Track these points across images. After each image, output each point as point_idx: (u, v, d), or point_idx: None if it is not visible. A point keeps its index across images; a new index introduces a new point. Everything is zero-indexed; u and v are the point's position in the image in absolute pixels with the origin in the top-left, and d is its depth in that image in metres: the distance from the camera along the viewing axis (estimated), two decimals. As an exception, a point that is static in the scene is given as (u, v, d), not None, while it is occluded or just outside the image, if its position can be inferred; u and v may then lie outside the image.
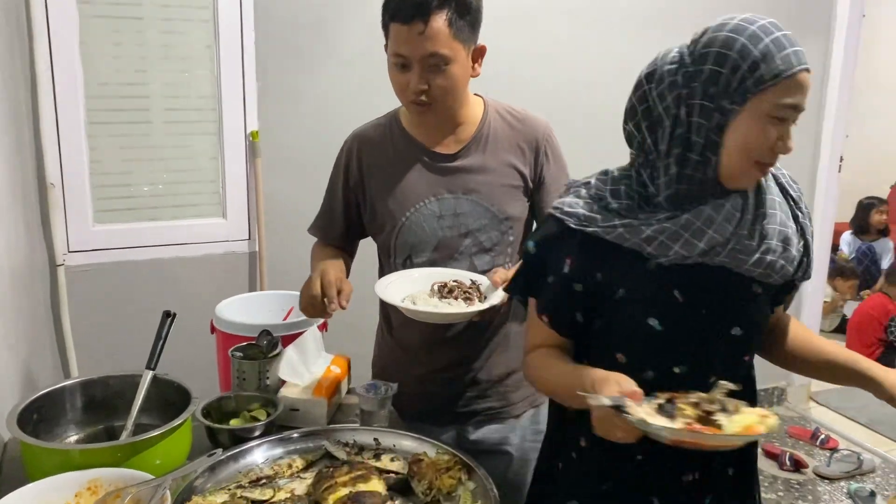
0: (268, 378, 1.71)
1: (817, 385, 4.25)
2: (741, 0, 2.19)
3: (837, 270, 5.67)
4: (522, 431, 1.87)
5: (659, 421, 1.08)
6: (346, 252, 1.87)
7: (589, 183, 1.30)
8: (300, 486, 1.36)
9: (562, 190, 1.37)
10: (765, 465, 3.52)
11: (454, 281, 1.67)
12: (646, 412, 1.09)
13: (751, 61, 1.12)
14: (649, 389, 1.13)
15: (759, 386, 1.43)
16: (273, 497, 1.31)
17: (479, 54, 1.68)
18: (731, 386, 1.15)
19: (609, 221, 1.23)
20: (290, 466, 1.41)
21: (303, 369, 1.71)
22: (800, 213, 1.30)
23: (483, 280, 1.67)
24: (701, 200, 1.20)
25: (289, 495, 1.32)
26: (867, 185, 6.52)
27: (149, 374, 1.53)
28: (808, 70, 1.15)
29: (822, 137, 3.89)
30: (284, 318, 2.13)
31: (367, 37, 2.87)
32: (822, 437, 3.78)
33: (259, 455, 1.43)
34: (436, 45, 1.56)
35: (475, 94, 1.78)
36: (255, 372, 1.71)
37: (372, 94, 2.77)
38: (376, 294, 1.64)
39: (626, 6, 3.37)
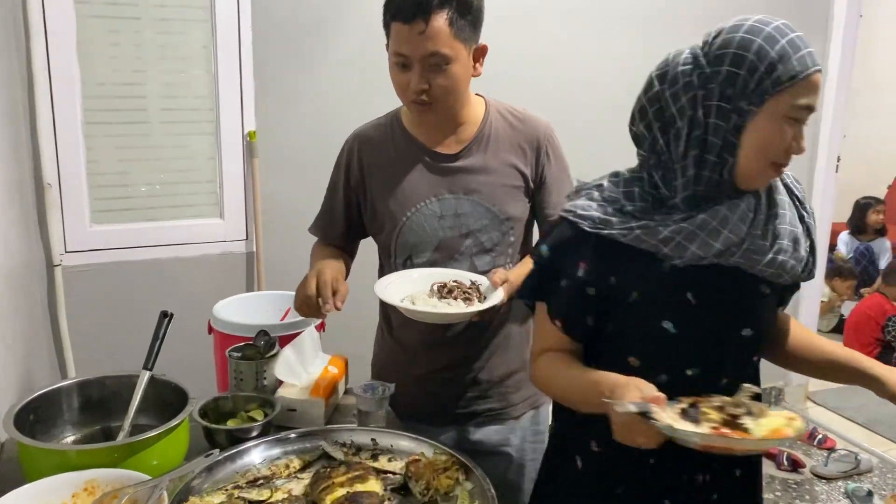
0: (265, 378, 1.70)
1: (815, 385, 4.25)
2: (740, 0, 2.20)
3: (835, 271, 5.68)
4: (523, 432, 1.87)
5: (685, 426, 1.06)
6: (347, 252, 1.87)
7: (601, 185, 1.29)
8: (297, 487, 1.36)
9: (568, 193, 1.36)
10: (762, 464, 3.52)
11: (454, 281, 1.66)
12: (671, 417, 1.07)
13: (768, 63, 1.13)
14: (662, 392, 1.12)
15: (758, 386, 1.43)
16: (270, 497, 1.30)
17: (480, 54, 1.67)
18: (756, 389, 1.15)
19: (625, 224, 1.22)
20: (287, 467, 1.41)
21: (300, 370, 1.71)
22: (805, 213, 1.31)
23: (483, 280, 1.66)
24: (716, 201, 1.20)
25: (286, 496, 1.32)
26: (864, 185, 6.53)
27: (146, 375, 1.53)
28: (820, 71, 1.16)
29: (820, 137, 3.89)
30: (282, 319, 2.13)
31: (365, 37, 2.88)
32: (820, 436, 3.78)
33: (256, 455, 1.42)
34: (436, 45, 1.55)
35: (476, 94, 1.78)
36: (252, 372, 1.70)
37: (370, 94, 2.77)
38: (376, 294, 1.64)
39: (626, 6, 3.37)
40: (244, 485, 1.34)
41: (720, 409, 1.11)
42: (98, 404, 1.57)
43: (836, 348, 1.44)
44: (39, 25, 2.48)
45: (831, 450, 3.63)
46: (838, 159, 3.98)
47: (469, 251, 1.74)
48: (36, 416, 1.46)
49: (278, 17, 2.81)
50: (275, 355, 1.71)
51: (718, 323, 1.26)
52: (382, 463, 1.43)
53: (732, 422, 1.09)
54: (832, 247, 6.13)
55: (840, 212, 5.04)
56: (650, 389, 1.10)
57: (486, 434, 1.83)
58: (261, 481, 1.36)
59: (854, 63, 3.92)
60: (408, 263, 1.76)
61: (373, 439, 1.49)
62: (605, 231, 1.23)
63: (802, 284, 1.40)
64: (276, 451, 1.45)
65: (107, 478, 1.22)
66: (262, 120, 2.85)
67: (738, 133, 1.17)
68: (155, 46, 2.68)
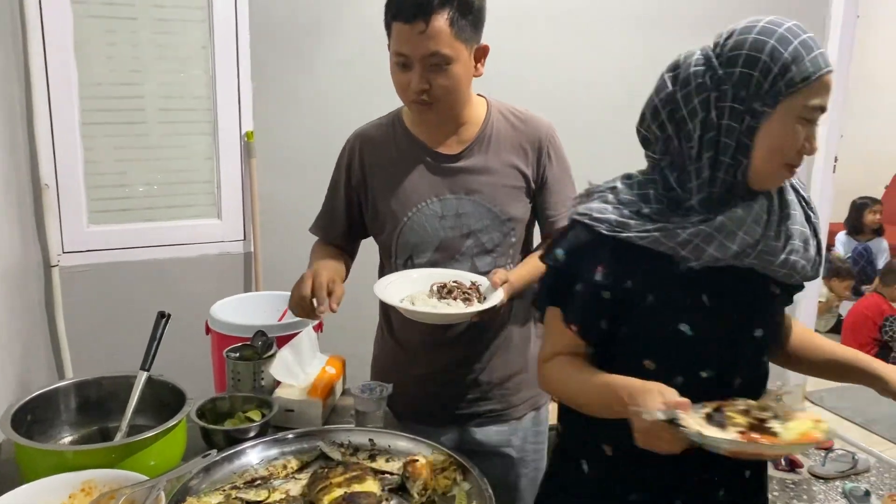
0: (262, 379, 1.70)
1: (812, 385, 4.26)
2: (738, 0, 2.20)
3: (833, 271, 5.69)
4: (524, 433, 1.87)
5: (714, 433, 1.05)
6: (347, 252, 1.86)
7: (615, 188, 1.28)
8: (295, 487, 1.36)
9: (577, 195, 1.35)
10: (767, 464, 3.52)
11: (454, 282, 1.66)
12: (698, 423, 1.06)
13: (781, 64, 1.13)
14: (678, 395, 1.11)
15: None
16: (268, 498, 1.30)
17: (481, 54, 1.67)
18: (782, 391, 1.15)
19: (643, 226, 1.21)
20: (284, 467, 1.41)
21: (298, 370, 1.71)
22: (811, 213, 1.31)
23: (483, 281, 1.66)
24: (731, 202, 1.20)
25: (284, 496, 1.32)
26: (862, 185, 6.54)
27: (143, 375, 1.53)
28: (832, 71, 1.16)
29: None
30: (279, 319, 2.12)
31: (363, 37, 2.88)
32: (817, 436, 3.78)
33: (254, 456, 1.42)
34: (437, 45, 1.55)
35: (478, 95, 1.77)
36: (249, 373, 1.70)
37: (368, 95, 2.77)
38: (375, 294, 1.64)
39: (626, 7, 3.37)
40: (242, 485, 1.34)
41: (745, 412, 1.10)
42: (95, 405, 1.57)
43: (837, 348, 1.44)
44: (36, 26, 2.47)
45: (829, 450, 3.63)
46: (836, 159, 3.98)
47: (470, 251, 1.74)
48: (33, 417, 1.46)
49: (276, 18, 2.81)
50: (272, 356, 1.71)
51: (732, 324, 1.26)
52: (380, 463, 1.43)
53: (759, 426, 1.07)
54: (829, 247, 6.14)
55: (837, 212, 5.06)
56: (672, 394, 1.09)
57: (486, 435, 1.83)
58: (258, 482, 1.36)
59: (851, 63, 3.92)
60: (409, 263, 1.76)
61: (370, 440, 1.49)
62: (624, 234, 1.22)
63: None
64: (274, 451, 1.45)
65: (104, 478, 1.22)
66: (260, 120, 2.85)
67: (752, 134, 1.17)
68: (152, 47, 2.68)
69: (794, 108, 1.15)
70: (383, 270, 1.84)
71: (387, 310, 1.86)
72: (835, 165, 3.99)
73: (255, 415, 1.59)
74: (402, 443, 1.48)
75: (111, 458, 1.30)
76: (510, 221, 1.74)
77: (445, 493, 1.31)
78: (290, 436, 1.48)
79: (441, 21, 1.54)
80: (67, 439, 1.53)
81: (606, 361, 1.29)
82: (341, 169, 1.81)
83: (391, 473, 1.39)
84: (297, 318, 1.81)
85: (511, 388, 1.83)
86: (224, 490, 1.31)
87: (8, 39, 2.35)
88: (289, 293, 1.67)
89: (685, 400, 1.08)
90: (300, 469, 1.42)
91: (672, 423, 1.05)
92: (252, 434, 1.50)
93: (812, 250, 1.28)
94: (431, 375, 1.80)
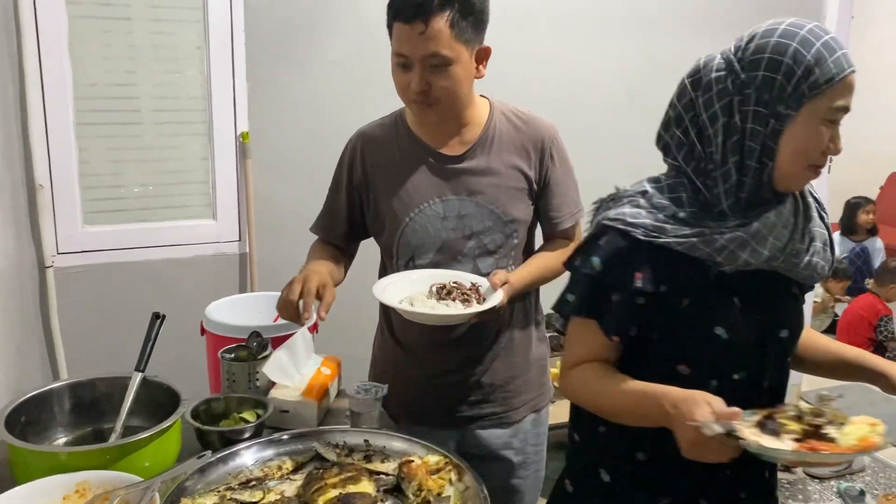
0: (257, 380, 1.70)
1: (807, 384, 4.26)
2: (737, 2, 2.20)
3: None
4: (524, 436, 1.87)
5: (770, 442, 1.03)
6: (346, 253, 1.86)
7: (646, 192, 1.26)
8: (290, 488, 1.35)
9: (599, 199, 1.32)
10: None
11: (453, 283, 1.66)
12: (754, 433, 1.04)
13: (805, 67, 1.12)
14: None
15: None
16: (263, 499, 1.30)
17: (483, 56, 1.66)
18: (834, 396, 1.14)
19: (679, 231, 1.19)
20: (279, 468, 1.41)
21: (293, 371, 1.70)
22: (824, 214, 1.32)
23: (483, 282, 1.66)
24: (760, 206, 1.20)
25: (279, 497, 1.31)
26: (857, 185, 6.55)
27: (138, 376, 1.53)
28: (855, 71, 1.16)
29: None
30: (275, 320, 2.11)
31: (358, 37, 2.88)
32: (813, 436, 3.78)
33: (249, 457, 1.42)
34: (437, 46, 1.55)
35: (481, 96, 1.77)
36: (244, 374, 1.70)
37: (364, 95, 2.78)
38: (374, 296, 1.64)
39: (626, 8, 3.38)
40: (236, 486, 1.33)
41: (798, 418, 1.08)
42: (90, 406, 1.57)
43: (841, 347, 1.45)
44: (31, 26, 2.47)
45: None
46: (830, 160, 3.98)
47: (472, 253, 1.73)
48: (27, 418, 1.45)
49: (271, 18, 2.80)
50: (267, 356, 1.71)
51: (760, 326, 1.26)
52: (375, 464, 1.43)
53: (815, 432, 1.06)
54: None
55: (833, 212, 5.07)
56: (719, 403, 1.07)
57: (487, 437, 1.83)
58: (253, 483, 1.35)
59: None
60: (410, 264, 1.75)
61: (365, 440, 1.49)
62: (662, 239, 1.19)
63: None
64: (269, 452, 1.44)
65: (98, 480, 1.22)
66: (255, 121, 2.85)
67: (776, 138, 1.16)
68: (147, 47, 2.67)
69: (819, 110, 1.14)
70: (385, 271, 1.83)
71: (387, 310, 1.84)
72: (830, 166, 3.99)
73: (250, 416, 1.58)
74: (397, 443, 1.47)
75: (105, 460, 1.30)
76: (512, 223, 1.73)
77: (440, 493, 1.31)
78: (285, 437, 1.48)
79: (441, 22, 1.53)
80: (62, 440, 1.53)
81: (636, 367, 1.26)
82: (343, 168, 1.80)
83: (386, 474, 1.39)
84: (293, 320, 1.81)
85: (512, 390, 1.83)
86: (219, 491, 1.31)
87: (2, 40, 2.35)
88: (284, 294, 1.67)
89: (737, 410, 1.06)
90: (295, 470, 1.42)
91: (730, 435, 1.03)
92: (247, 435, 1.50)
93: (828, 251, 1.30)
94: (433, 377, 1.79)
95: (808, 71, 1.12)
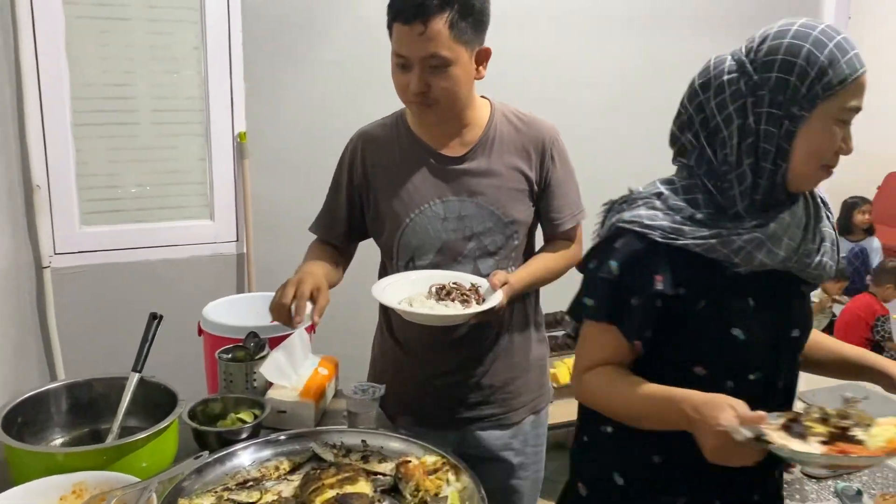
0: (255, 380, 1.70)
1: (804, 384, 4.26)
2: (736, 2, 2.21)
3: (827, 271, 5.69)
4: (524, 437, 1.86)
5: (799, 446, 1.03)
6: (345, 253, 1.86)
7: (661, 194, 1.24)
8: (287, 489, 1.35)
9: (610, 201, 1.31)
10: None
11: (453, 283, 1.65)
12: (782, 437, 1.03)
13: (818, 68, 1.13)
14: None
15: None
16: (260, 499, 1.30)
17: (483, 57, 1.66)
18: (860, 398, 1.14)
19: (698, 232, 1.19)
20: (277, 469, 1.41)
21: (290, 371, 1.70)
22: (829, 214, 1.33)
23: (483, 283, 1.65)
24: (774, 207, 1.21)
25: (276, 497, 1.31)
26: (855, 185, 6.55)
27: (135, 377, 1.53)
28: (866, 71, 1.17)
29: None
30: (272, 321, 2.12)
31: (356, 38, 2.88)
32: (810, 436, 3.78)
33: (246, 457, 1.42)
34: (436, 47, 1.55)
35: (482, 97, 1.77)
36: (242, 374, 1.70)
37: (361, 95, 2.78)
38: (373, 296, 1.63)
39: (626, 8, 3.39)
40: (234, 487, 1.33)
41: (824, 421, 1.07)
42: (87, 406, 1.57)
43: (843, 346, 1.46)
44: (28, 25, 2.47)
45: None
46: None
47: (472, 254, 1.73)
48: (24, 419, 1.45)
49: (268, 18, 2.80)
50: (264, 357, 1.71)
51: (775, 326, 1.26)
52: (372, 464, 1.43)
53: (842, 435, 1.05)
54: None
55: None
56: (743, 407, 1.06)
57: (487, 438, 1.82)
58: (250, 483, 1.35)
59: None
60: (410, 265, 1.75)
61: (363, 441, 1.49)
62: (680, 241, 1.19)
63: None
64: (266, 452, 1.44)
65: (95, 480, 1.22)
66: (253, 121, 2.85)
67: (790, 139, 1.16)
68: (144, 47, 2.67)
69: (832, 111, 1.15)
70: (385, 271, 1.83)
71: (387, 311, 1.84)
72: (827, 167, 3.99)
73: (248, 416, 1.58)
74: (394, 444, 1.47)
75: (102, 460, 1.30)
76: (513, 224, 1.73)
77: (438, 493, 1.31)
78: (283, 437, 1.48)
79: (440, 23, 1.53)
80: (58, 441, 1.53)
81: (650, 369, 1.25)
82: (343, 168, 1.80)
83: (384, 474, 1.39)
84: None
85: (513, 391, 1.83)
86: (216, 491, 1.31)
87: (-1, 40, 2.35)
88: (281, 294, 1.67)
89: (762, 414, 1.04)
90: (292, 470, 1.42)
91: (758, 439, 1.03)
92: (244, 435, 1.50)
93: (835, 251, 1.31)
94: (433, 378, 1.79)
95: (822, 72, 1.13)
